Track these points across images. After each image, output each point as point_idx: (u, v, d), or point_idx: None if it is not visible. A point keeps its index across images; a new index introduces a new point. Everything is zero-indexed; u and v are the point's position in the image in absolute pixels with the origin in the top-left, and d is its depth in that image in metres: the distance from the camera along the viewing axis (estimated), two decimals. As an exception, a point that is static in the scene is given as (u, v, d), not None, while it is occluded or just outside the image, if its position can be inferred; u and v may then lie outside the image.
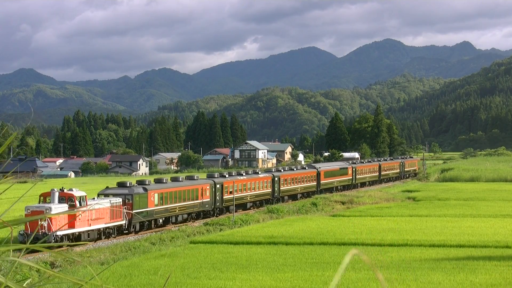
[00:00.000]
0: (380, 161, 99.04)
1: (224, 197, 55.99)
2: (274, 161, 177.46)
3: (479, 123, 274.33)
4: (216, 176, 58.02)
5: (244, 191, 59.73)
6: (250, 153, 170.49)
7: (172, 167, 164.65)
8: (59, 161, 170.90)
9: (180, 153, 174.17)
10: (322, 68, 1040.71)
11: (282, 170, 70.85)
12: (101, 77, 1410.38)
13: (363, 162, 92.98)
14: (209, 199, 53.98)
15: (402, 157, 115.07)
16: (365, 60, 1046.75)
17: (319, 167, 76.42)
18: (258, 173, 66.29)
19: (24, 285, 3.91)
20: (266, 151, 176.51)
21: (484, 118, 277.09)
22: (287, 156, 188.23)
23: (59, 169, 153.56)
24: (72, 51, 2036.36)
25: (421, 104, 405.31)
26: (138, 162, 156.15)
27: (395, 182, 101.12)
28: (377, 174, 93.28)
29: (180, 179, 53.17)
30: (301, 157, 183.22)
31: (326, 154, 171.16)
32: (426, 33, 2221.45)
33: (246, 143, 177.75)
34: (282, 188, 65.93)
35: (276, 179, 65.22)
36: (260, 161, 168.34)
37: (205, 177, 57.58)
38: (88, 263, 33.27)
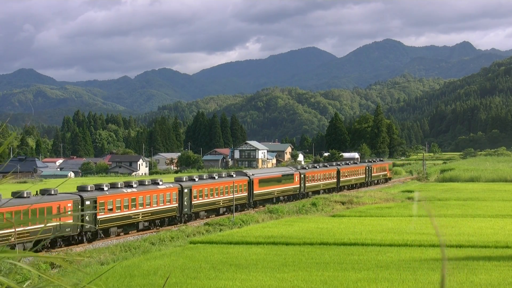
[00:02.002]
0: (339, 165, 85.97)
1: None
2: (274, 161, 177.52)
3: (479, 123, 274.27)
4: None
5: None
6: (250, 153, 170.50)
7: (172, 167, 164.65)
8: (59, 161, 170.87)
9: (180, 153, 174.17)
10: (322, 68, 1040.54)
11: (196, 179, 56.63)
12: (102, 78, 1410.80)
13: (316, 167, 79.70)
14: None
15: (370, 160, 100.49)
16: (365, 60, 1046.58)
17: (252, 174, 63.99)
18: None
19: (24, 286, 3.89)
20: (266, 151, 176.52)
21: (484, 118, 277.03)
22: (287, 156, 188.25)
23: (59, 169, 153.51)
24: (74, 51, 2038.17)
25: (421, 104, 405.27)
26: (138, 162, 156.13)
27: (394, 183, 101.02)
28: (335, 180, 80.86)
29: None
30: (301, 157, 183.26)
31: (326, 154, 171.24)
32: (429, 33, 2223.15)
33: (246, 143, 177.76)
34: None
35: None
36: (260, 161, 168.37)
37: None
38: (88, 263, 33.28)
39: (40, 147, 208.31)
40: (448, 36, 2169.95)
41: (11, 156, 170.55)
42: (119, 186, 47.04)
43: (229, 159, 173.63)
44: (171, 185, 52.07)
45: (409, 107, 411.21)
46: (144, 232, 47.86)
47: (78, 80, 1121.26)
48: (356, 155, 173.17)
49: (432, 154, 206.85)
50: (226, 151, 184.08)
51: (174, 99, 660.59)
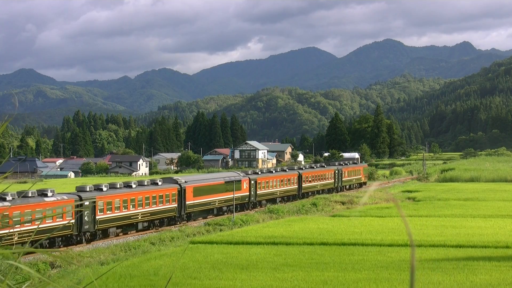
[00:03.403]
0: (301, 169, 75.50)
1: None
2: (274, 161, 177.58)
3: (479, 123, 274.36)
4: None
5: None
6: (250, 153, 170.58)
7: (172, 168, 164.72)
8: (59, 161, 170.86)
9: (180, 154, 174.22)
10: (322, 68, 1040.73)
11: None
12: (104, 78, 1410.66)
13: (272, 172, 70.05)
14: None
15: (341, 163, 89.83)
16: (365, 60, 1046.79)
17: (185, 181, 53.81)
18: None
19: (23, 287, 3.88)
20: (266, 151, 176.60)
21: (484, 118, 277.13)
22: (287, 156, 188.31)
23: (59, 169, 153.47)
24: (75, 51, 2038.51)
25: (421, 104, 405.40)
26: (138, 163, 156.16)
27: (394, 182, 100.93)
28: (296, 187, 71.09)
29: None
30: (301, 157, 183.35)
31: (326, 154, 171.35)
32: (431, 33, 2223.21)
33: (246, 144, 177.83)
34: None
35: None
36: (260, 161, 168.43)
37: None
38: (88, 264, 33.29)
39: (40, 147, 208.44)
40: (450, 36, 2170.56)
41: (11, 156, 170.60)
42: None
43: (229, 159, 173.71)
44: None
45: (409, 107, 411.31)
46: (144, 232, 47.86)
47: (78, 80, 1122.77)
48: (356, 155, 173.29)
49: (432, 154, 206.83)
50: (226, 151, 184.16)
51: (174, 99, 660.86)
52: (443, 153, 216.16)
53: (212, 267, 29.06)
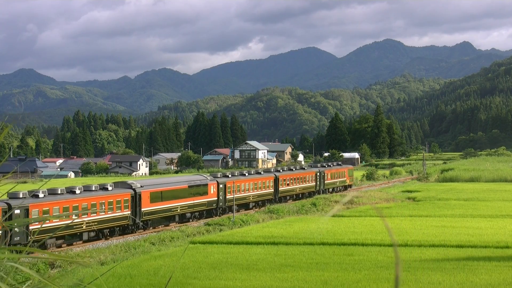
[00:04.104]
0: (279, 171, 71.21)
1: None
2: (274, 161, 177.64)
3: (479, 123, 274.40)
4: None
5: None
6: (250, 153, 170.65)
7: (172, 168, 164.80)
8: (59, 161, 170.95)
9: (180, 154, 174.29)
10: (322, 68, 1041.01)
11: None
12: (104, 78, 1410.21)
13: (245, 174, 64.60)
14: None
15: (323, 165, 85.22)
16: (365, 60, 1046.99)
17: (140, 186, 48.53)
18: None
19: (24, 287, 3.88)
20: (266, 151, 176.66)
21: (484, 118, 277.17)
22: (287, 156, 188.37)
23: (59, 169, 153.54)
24: (76, 51, 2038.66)
25: (421, 104, 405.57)
26: (138, 163, 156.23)
27: (394, 182, 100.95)
28: (271, 190, 66.25)
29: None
30: (301, 157, 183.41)
31: (326, 154, 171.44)
32: (432, 33, 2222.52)
33: (246, 144, 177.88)
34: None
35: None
36: (260, 161, 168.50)
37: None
38: (87, 264, 33.29)
39: (40, 147, 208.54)
40: (451, 36, 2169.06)
41: (11, 155, 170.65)
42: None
43: (229, 159, 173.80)
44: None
45: (409, 107, 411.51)
46: (144, 232, 47.79)
47: (78, 80, 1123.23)
48: (356, 155, 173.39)
49: (432, 154, 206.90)
50: (226, 151, 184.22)
51: (174, 99, 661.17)
52: (443, 153, 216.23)
53: (212, 267, 29.07)
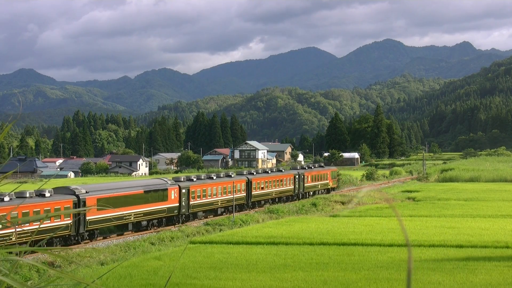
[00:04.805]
0: (252, 174, 65.32)
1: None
2: (274, 161, 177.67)
3: (479, 123, 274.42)
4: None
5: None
6: (250, 153, 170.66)
7: (172, 168, 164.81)
8: (59, 161, 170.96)
9: (180, 154, 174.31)
10: (322, 68, 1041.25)
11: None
12: (104, 78, 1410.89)
13: (212, 178, 58.46)
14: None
15: (304, 167, 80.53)
16: (365, 60, 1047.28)
17: (86, 192, 42.90)
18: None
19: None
20: (266, 151, 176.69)
21: (484, 118, 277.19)
22: (287, 156, 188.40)
23: (59, 169, 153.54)
24: (77, 51, 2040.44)
25: (421, 104, 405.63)
26: (138, 162, 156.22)
27: (394, 182, 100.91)
28: (243, 195, 61.16)
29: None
30: (301, 157, 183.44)
31: (326, 154, 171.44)
32: (433, 33, 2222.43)
33: (246, 143, 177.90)
34: None
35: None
36: (260, 161, 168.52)
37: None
38: (87, 264, 33.29)
39: (40, 147, 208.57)
40: (452, 36, 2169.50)
41: (11, 155, 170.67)
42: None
43: (229, 159, 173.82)
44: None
45: (409, 107, 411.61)
46: (144, 232, 47.74)
47: (78, 80, 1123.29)
48: (356, 155, 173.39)
49: (432, 154, 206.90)
50: (226, 151, 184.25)
51: (174, 99, 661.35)
52: (443, 153, 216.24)
53: (212, 267, 29.06)
